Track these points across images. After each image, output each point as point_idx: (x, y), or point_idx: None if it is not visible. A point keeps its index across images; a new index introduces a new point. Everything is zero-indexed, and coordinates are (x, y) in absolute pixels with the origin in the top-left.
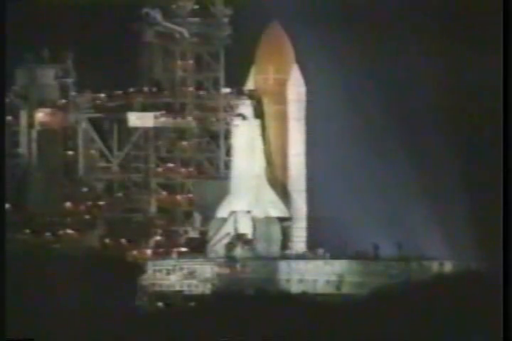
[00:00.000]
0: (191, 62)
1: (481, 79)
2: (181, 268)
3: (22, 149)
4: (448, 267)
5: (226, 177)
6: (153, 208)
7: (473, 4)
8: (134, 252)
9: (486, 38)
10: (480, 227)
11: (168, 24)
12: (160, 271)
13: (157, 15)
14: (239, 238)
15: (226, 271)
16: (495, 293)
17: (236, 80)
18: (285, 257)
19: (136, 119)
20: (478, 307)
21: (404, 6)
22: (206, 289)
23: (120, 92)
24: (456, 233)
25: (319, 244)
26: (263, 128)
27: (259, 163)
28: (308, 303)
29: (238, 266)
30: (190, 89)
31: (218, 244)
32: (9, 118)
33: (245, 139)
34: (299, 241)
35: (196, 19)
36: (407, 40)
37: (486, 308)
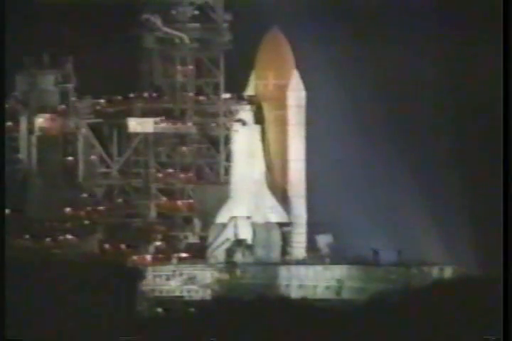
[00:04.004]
0: (191, 67)
1: (481, 80)
2: (181, 274)
3: (22, 155)
4: (448, 272)
5: (226, 183)
6: (153, 213)
7: (474, 4)
8: (134, 257)
9: (486, 37)
10: (480, 232)
11: (168, 30)
12: (160, 276)
13: (157, 20)
14: (239, 243)
15: (226, 276)
16: (495, 298)
17: (236, 86)
18: (285, 263)
19: (136, 125)
20: (478, 313)
21: (404, 10)
22: (206, 294)
23: (120, 98)
24: (456, 238)
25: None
26: (263, 134)
27: (259, 169)
28: (308, 309)
29: (238, 271)
30: (191, 94)
31: (218, 250)
32: (9, 123)
33: (245, 144)
34: (299, 246)
35: (196, 25)
36: (408, 44)
37: (486, 313)
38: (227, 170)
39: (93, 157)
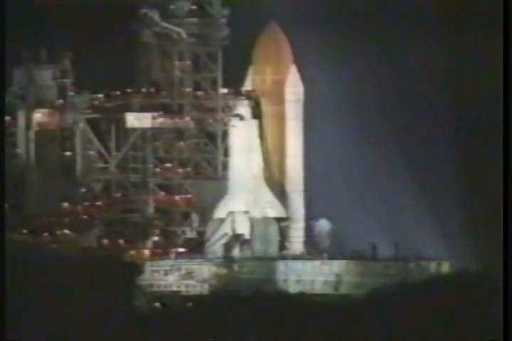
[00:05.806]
0: (189, 62)
1: (480, 80)
2: (179, 269)
3: (20, 150)
4: (445, 267)
5: (224, 178)
6: (151, 208)
7: (474, 3)
8: (132, 252)
9: (486, 37)
10: (477, 227)
11: (166, 24)
12: (158, 271)
13: (155, 15)
14: (237, 238)
15: (224, 271)
16: (493, 293)
17: (234, 81)
18: (283, 257)
19: (134, 120)
20: (476, 308)
21: (402, 6)
22: (204, 289)
23: (118, 93)
24: (453, 233)
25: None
26: (261, 129)
27: (256, 164)
28: (306, 303)
29: (236, 266)
30: (188, 89)
31: (216, 245)
32: (7, 118)
33: (243, 140)
34: (297, 241)
35: (194, 19)
36: (406, 41)
37: (484, 308)
38: (225, 165)
39: (91, 152)
